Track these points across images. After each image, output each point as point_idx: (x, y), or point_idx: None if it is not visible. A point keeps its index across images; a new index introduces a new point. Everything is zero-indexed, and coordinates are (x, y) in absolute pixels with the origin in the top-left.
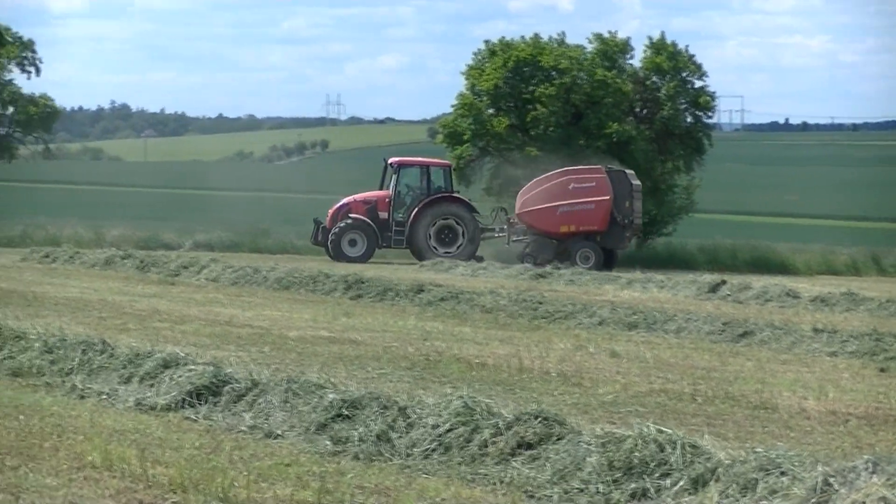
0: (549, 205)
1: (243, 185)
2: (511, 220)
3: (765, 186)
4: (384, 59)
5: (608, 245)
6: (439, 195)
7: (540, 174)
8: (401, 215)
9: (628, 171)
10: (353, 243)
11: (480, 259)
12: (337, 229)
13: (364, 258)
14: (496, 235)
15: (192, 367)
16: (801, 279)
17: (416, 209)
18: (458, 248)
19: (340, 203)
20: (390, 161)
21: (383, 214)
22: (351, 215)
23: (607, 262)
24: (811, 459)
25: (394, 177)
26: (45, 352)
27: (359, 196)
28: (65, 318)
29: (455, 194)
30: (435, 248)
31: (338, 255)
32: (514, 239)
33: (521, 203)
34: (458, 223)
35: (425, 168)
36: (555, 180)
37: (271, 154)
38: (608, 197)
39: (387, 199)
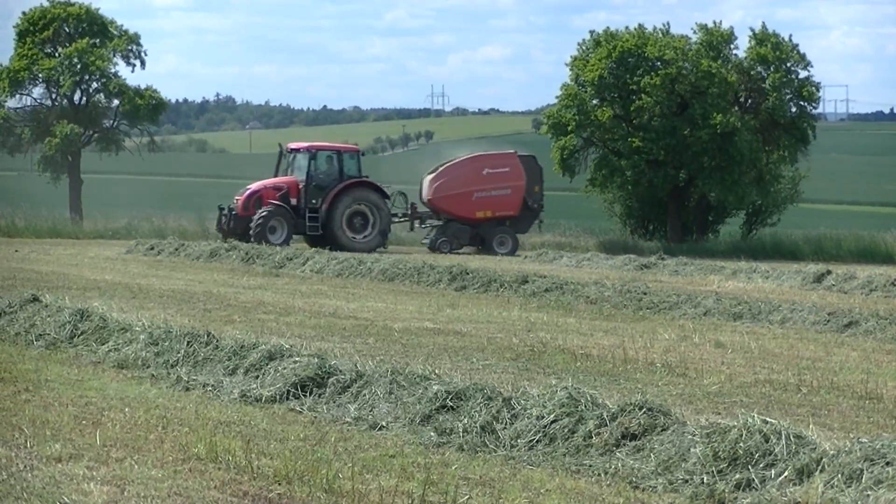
0: (464, 190)
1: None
2: (414, 206)
3: (870, 176)
4: (487, 49)
5: (517, 229)
6: (353, 181)
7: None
8: (314, 202)
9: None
10: (272, 230)
11: (386, 247)
12: (264, 215)
13: (285, 245)
14: (397, 221)
15: (297, 358)
16: None
17: (333, 195)
18: (370, 234)
19: (250, 190)
20: (299, 146)
21: (293, 201)
22: (271, 202)
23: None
24: None
25: (311, 162)
26: (151, 344)
27: (268, 182)
28: (170, 310)
29: (366, 179)
30: (352, 237)
31: (261, 242)
32: (424, 225)
33: (433, 189)
34: (370, 209)
35: (337, 153)
36: (468, 166)
37: (376, 146)
38: (522, 182)
39: (298, 186)
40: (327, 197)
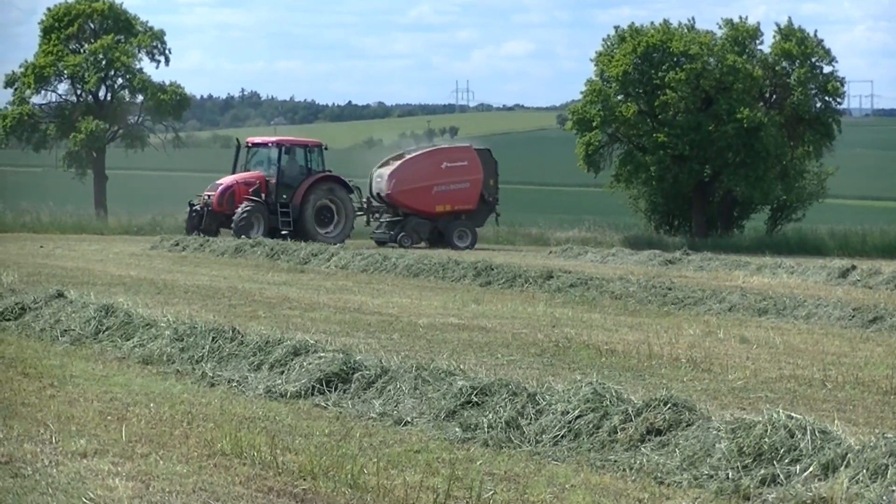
0: (423, 184)
1: None
2: (369, 200)
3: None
4: (511, 45)
5: (473, 223)
6: (321, 175)
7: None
8: (284, 196)
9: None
10: (250, 226)
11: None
12: (245, 213)
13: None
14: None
15: (322, 354)
16: None
17: (304, 190)
18: (336, 228)
19: (224, 185)
20: (265, 141)
21: (262, 196)
22: (249, 198)
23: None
24: None
25: (282, 157)
26: (176, 339)
27: (239, 178)
28: (195, 306)
29: (331, 173)
30: (320, 231)
31: (240, 237)
32: (384, 219)
33: (392, 183)
34: (336, 203)
35: (305, 148)
36: (427, 160)
37: (401, 141)
38: (480, 176)
39: (266, 181)
40: (298, 191)
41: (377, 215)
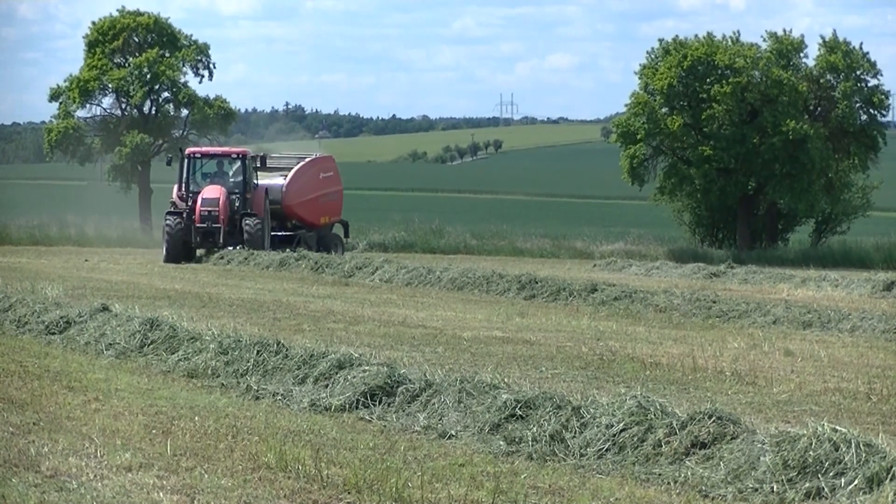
0: (314, 195)
1: (417, 186)
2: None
3: None
4: (555, 57)
5: (333, 233)
6: (265, 186)
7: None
8: (249, 209)
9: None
10: (263, 238)
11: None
12: (258, 226)
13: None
14: None
15: (367, 367)
16: None
17: (262, 201)
18: (266, 238)
19: (220, 198)
20: (229, 152)
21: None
22: (248, 213)
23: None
24: None
25: (246, 168)
26: (220, 353)
27: (220, 191)
28: (239, 319)
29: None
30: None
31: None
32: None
33: (289, 194)
34: (270, 213)
35: (262, 158)
36: (311, 169)
37: (445, 154)
38: (341, 186)
39: (243, 194)
40: (258, 203)
41: None
